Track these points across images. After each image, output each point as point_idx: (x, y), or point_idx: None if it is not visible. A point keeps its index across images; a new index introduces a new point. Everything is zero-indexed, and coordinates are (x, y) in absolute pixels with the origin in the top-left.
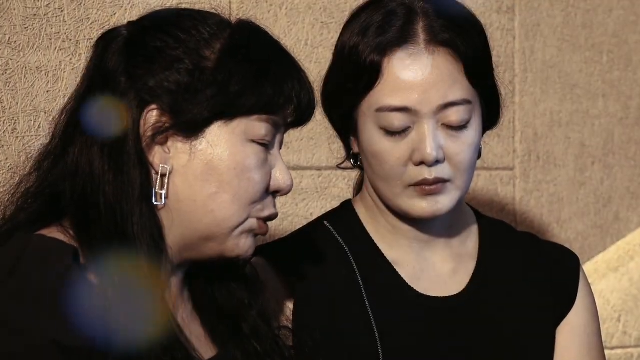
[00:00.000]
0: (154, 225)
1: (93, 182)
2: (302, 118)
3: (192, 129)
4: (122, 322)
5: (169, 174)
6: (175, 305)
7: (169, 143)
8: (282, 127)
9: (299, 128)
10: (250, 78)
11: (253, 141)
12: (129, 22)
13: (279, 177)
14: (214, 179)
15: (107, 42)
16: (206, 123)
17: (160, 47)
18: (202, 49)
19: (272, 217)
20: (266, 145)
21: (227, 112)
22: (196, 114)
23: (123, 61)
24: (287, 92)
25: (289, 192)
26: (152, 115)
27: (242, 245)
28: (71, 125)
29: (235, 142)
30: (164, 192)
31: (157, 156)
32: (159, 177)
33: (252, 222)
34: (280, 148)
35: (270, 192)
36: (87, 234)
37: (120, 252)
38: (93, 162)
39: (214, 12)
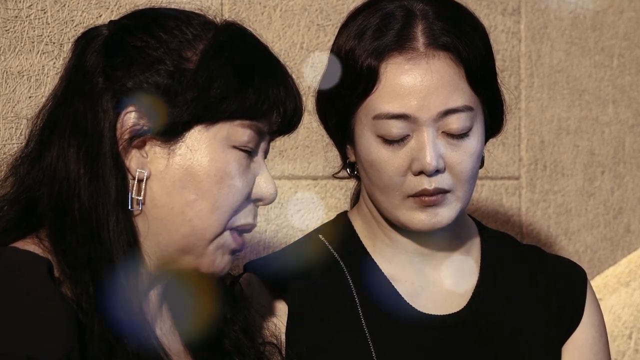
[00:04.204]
0: (130, 232)
1: (69, 187)
2: (288, 126)
3: (171, 132)
4: (97, 335)
5: (146, 179)
6: (153, 318)
7: (147, 147)
8: (266, 135)
9: (286, 136)
10: (233, 82)
11: (235, 147)
12: (111, 21)
13: (263, 185)
14: (192, 185)
15: (86, 41)
16: (186, 127)
17: (141, 47)
18: (184, 50)
19: (249, 228)
20: (249, 152)
21: (208, 117)
22: (175, 117)
23: (101, 61)
24: (272, 98)
25: (271, 201)
26: (129, 118)
27: (218, 262)
28: (48, 127)
29: (216, 147)
30: (140, 197)
31: (134, 160)
32: (135, 182)
33: (226, 237)
34: (265, 157)
35: (252, 200)
36: (62, 243)
37: (96, 261)
38: (69, 166)
39: (200, 12)
